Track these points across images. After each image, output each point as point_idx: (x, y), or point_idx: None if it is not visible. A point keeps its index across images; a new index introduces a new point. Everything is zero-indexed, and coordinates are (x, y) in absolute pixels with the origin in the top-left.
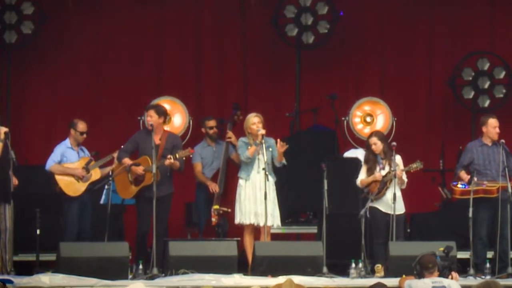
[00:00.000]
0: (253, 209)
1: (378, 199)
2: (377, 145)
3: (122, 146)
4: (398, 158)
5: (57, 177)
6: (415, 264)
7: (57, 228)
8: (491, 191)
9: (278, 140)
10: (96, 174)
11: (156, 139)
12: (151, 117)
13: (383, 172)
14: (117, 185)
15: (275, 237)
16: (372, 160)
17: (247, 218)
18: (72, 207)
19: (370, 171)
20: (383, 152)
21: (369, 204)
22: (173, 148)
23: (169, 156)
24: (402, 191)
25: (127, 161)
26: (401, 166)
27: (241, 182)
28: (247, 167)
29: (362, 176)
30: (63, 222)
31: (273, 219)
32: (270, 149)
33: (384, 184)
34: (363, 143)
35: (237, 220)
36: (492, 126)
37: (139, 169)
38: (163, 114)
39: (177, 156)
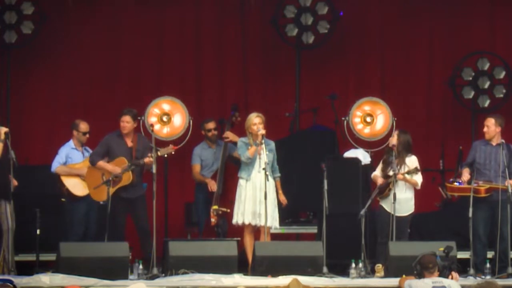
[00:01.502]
0: (252, 210)
1: (384, 198)
2: (394, 137)
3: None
4: (414, 159)
5: (63, 178)
6: (415, 264)
7: (57, 228)
8: (479, 190)
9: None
10: None
11: (128, 141)
12: (127, 123)
13: (392, 172)
14: (89, 188)
15: (275, 237)
16: (387, 153)
17: (246, 219)
18: (78, 207)
19: (384, 164)
20: (398, 151)
21: (369, 203)
22: (144, 150)
23: (150, 154)
24: None
25: (102, 164)
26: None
27: (241, 182)
28: (248, 167)
29: (377, 171)
30: (68, 221)
31: (272, 220)
32: (272, 153)
33: (387, 184)
34: (363, 143)
35: (234, 220)
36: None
37: (117, 169)
38: (137, 118)
39: (158, 154)
